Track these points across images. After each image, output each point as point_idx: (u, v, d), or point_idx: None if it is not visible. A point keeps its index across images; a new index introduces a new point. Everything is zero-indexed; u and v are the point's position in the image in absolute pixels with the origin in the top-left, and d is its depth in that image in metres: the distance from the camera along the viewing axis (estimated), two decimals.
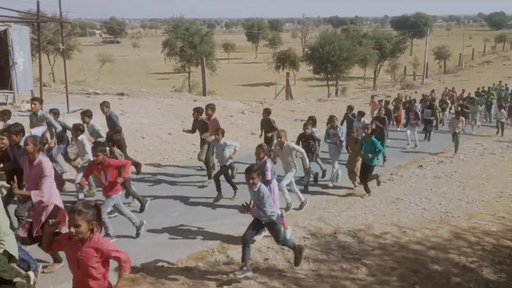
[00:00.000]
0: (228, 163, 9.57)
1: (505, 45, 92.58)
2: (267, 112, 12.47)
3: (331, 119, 11.62)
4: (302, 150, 9.29)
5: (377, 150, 10.20)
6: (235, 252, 7.21)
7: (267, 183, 7.27)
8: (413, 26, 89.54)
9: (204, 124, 11.00)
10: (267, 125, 12.34)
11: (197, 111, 11.19)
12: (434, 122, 20.11)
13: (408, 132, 16.65)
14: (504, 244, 8.03)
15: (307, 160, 9.31)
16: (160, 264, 6.71)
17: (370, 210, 9.57)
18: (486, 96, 27.47)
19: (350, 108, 16.32)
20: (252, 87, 52.92)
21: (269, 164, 7.76)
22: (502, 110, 20.44)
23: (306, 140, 10.82)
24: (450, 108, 24.66)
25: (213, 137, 9.68)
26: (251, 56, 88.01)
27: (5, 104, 16.49)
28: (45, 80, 23.55)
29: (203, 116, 11.08)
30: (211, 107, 11.08)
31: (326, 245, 7.68)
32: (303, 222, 8.67)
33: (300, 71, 50.18)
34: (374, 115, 17.81)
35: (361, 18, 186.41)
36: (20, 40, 17.43)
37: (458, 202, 10.38)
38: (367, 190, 10.60)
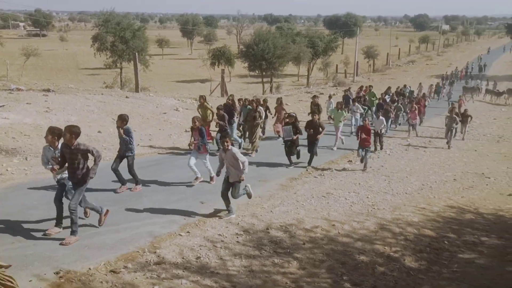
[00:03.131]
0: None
1: (428, 45, 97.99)
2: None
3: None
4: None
5: None
6: (167, 251, 7.12)
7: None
8: (344, 25, 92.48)
9: None
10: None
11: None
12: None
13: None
14: (425, 234, 8.53)
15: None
16: (87, 267, 6.47)
17: (302, 205, 9.80)
18: (365, 98, 22.95)
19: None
20: (187, 84, 52.31)
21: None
22: (381, 117, 16.24)
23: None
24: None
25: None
26: (186, 52, 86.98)
27: None
28: None
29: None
30: None
31: (258, 241, 7.77)
32: (236, 219, 8.71)
33: (235, 68, 50.24)
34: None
35: (295, 17, 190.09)
36: None
37: (384, 195, 10.89)
38: None
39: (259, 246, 7.54)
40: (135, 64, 27.76)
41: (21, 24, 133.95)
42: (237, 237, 7.87)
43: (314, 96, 18.56)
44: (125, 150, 9.81)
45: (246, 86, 50.07)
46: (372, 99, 23.13)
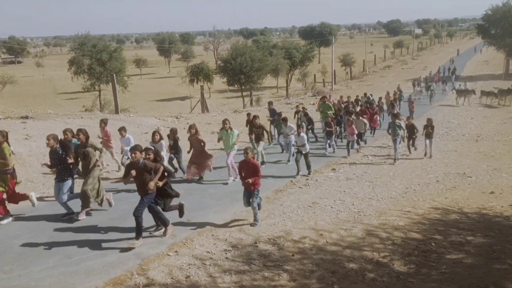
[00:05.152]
0: None
1: (402, 50, 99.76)
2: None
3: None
4: None
5: None
6: (155, 272, 7.06)
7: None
8: (319, 35, 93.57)
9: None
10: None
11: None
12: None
13: None
14: (412, 237, 8.60)
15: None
16: None
17: (288, 217, 9.82)
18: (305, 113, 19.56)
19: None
20: (168, 102, 52.26)
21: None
22: (302, 134, 13.55)
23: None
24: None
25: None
26: (164, 71, 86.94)
27: None
28: None
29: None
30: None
31: (247, 255, 7.75)
32: (223, 235, 8.68)
33: (214, 83, 50.43)
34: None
35: (270, 29, 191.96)
36: None
37: (369, 201, 10.97)
38: None
39: (248, 261, 7.52)
40: (114, 86, 27.63)
41: None
42: (226, 253, 7.84)
43: (249, 115, 15.74)
44: None
45: (226, 101, 50.24)
46: (328, 112, 19.04)
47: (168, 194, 8.78)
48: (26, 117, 21.95)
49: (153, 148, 8.90)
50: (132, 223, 9.33)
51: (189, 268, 7.24)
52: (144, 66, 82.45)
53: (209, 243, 8.27)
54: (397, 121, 15.57)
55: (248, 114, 16.00)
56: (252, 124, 14.76)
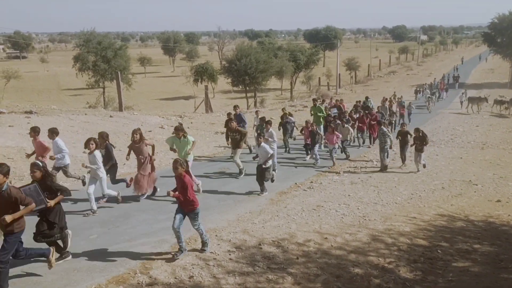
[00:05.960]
0: None
1: (408, 56, 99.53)
2: None
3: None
4: None
5: None
6: (159, 271, 6.97)
7: None
8: (324, 38, 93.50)
9: None
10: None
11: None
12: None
13: None
14: (418, 243, 8.51)
15: None
16: None
17: (293, 219, 9.73)
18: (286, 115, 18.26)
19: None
20: (171, 101, 52.21)
21: None
22: (263, 144, 11.48)
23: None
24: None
25: None
26: (169, 70, 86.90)
27: None
28: None
29: None
30: None
31: (251, 257, 7.66)
32: (227, 236, 8.59)
33: (218, 84, 50.34)
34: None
35: (275, 31, 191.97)
36: None
37: (374, 206, 10.87)
38: None
39: (252, 263, 7.43)
40: (118, 83, 27.59)
41: (0, 46, 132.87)
42: (230, 254, 7.75)
43: (229, 114, 14.70)
44: None
45: (230, 102, 50.12)
46: (319, 114, 18.37)
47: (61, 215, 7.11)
48: (30, 112, 21.92)
49: (39, 163, 6.99)
50: (134, 219, 9.28)
51: (193, 268, 7.15)
52: (149, 65, 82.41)
53: (213, 244, 8.17)
54: (383, 128, 15.01)
55: (228, 114, 14.99)
56: (228, 127, 13.28)
